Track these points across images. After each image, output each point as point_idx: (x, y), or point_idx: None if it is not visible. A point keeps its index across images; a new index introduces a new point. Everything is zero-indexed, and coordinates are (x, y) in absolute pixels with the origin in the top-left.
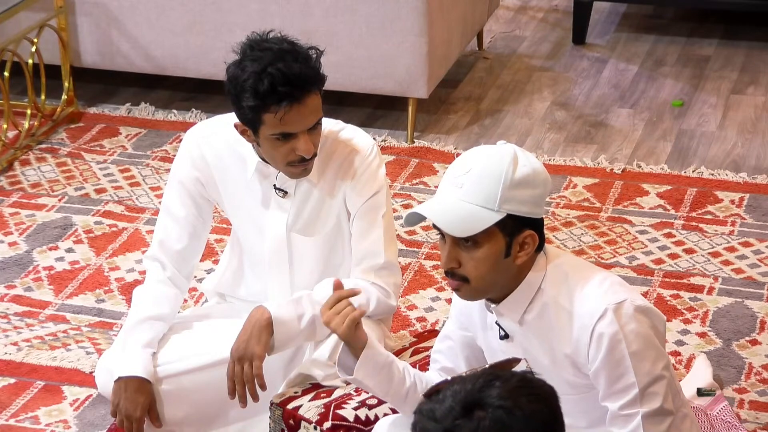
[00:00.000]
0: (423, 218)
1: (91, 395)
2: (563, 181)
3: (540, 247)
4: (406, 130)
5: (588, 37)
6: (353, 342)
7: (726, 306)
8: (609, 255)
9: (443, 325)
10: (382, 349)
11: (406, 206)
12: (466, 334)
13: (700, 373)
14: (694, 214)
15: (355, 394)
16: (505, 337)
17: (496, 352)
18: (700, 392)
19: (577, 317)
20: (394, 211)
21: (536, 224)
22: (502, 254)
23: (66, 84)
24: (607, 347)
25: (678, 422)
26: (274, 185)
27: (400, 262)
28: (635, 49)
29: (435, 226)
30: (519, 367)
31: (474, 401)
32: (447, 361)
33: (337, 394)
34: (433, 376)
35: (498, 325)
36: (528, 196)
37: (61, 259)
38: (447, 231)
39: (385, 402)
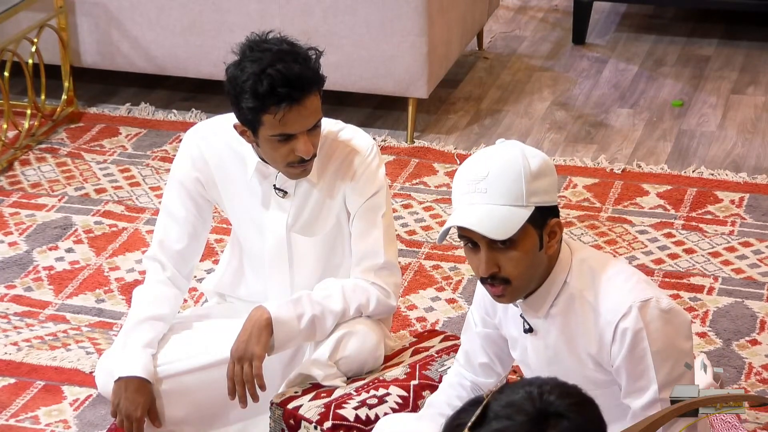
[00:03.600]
0: (447, 232)
1: (91, 395)
2: (563, 181)
3: None
4: (406, 130)
5: (588, 37)
6: None
7: (726, 306)
8: (609, 255)
9: (443, 325)
10: None
11: (406, 206)
12: (489, 331)
13: (700, 374)
14: (694, 214)
15: (355, 393)
16: (529, 330)
17: (518, 343)
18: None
19: (601, 313)
20: (394, 211)
21: (556, 211)
22: (537, 248)
23: (66, 84)
24: (630, 344)
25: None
26: (274, 185)
27: (400, 262)
28: (635, 49)
29: (462, 236)
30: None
31: (543, 410)
32: (483, 357)
33: (337, 393)
34: (465, 378)
35: (522, 318)
36: (546, 185)
37: (61, 259)
38: (489, 236)
39: (385, 401)
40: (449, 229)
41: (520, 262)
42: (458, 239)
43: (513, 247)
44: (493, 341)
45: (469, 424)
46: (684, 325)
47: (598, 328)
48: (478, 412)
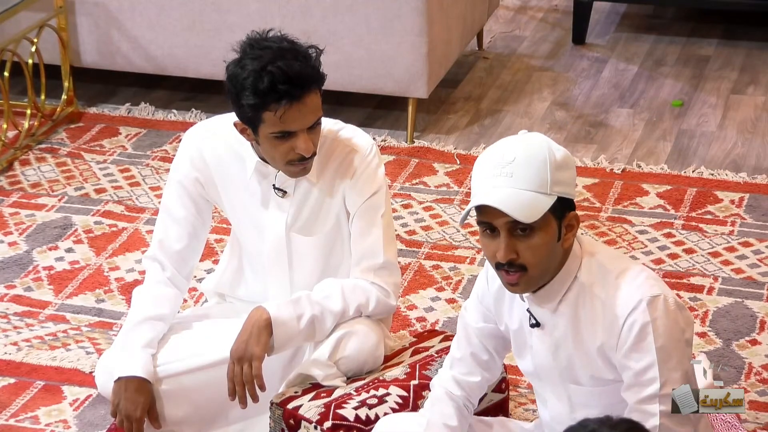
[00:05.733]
0: (468, 212)
1: (91, 395)
2: None
3: None
4: (406, 130)
5: (588, 37)
6: None
7: (726, 306)
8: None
9: (443, 325)
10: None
11: (406, 206)
12: (488, 326)
13: (700, 374)
14: (694, 214)
15: (355, 393)
16: (536, 325)
17: (525, 338)
18: None
19: (610, 307)
20: (394, 211)
21: (574, 206)
22: (555, 238)
23: (66, 84)
24: (636, 336)
25: (695, 422)
26: (274, 185)
27: (400, 262)
28: (635, 49)
29: (481, 222)
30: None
31: None
32: (482, 354)
33: (337, 393)
34: (471, 378)
35: (529, 312)
36: (569, 177)
37: (61, 259)
38: (515, 216)
39: (385, 401)
40: (471, 209)
41: (539, 250)
42: (476, 225)
43: (533, 234)
44: (493, 335)
45: None
46: (689, 325)
47: (606, 321)
48: None
